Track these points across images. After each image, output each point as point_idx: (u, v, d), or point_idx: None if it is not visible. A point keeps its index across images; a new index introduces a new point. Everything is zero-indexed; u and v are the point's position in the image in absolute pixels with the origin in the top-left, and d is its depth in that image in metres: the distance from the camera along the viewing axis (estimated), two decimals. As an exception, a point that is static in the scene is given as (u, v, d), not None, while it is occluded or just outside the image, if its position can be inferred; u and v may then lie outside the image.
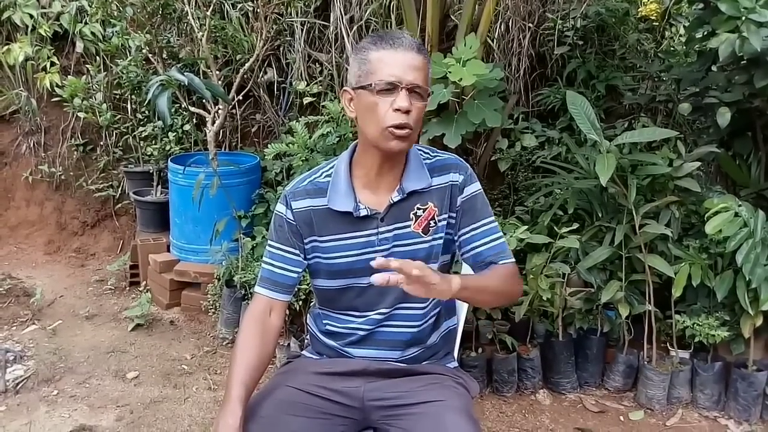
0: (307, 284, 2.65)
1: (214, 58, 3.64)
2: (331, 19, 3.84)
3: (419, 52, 1.42)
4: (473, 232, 1.55)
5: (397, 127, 1.39)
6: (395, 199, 1.50)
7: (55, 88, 4.14)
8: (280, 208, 1.55)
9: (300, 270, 1.56)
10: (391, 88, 1.39)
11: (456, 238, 1.57)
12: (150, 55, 3.85)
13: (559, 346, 2.80)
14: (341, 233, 1.51)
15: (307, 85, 3.79)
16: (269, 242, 1.57)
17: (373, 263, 1.24)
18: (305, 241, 1.54)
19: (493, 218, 1.58)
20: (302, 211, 1.52)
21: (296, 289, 2.76)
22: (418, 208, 1.51)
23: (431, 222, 1.52)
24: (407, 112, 1.38)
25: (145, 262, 3.73)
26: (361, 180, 1.52)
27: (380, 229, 1.50)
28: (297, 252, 1.54)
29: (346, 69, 1.86)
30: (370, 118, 1.42)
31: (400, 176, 1.51)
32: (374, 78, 1.40)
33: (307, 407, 1.49)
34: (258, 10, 3.52)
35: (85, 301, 3.63)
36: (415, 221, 1.51)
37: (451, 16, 3.05)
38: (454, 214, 1.54)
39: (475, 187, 1.56)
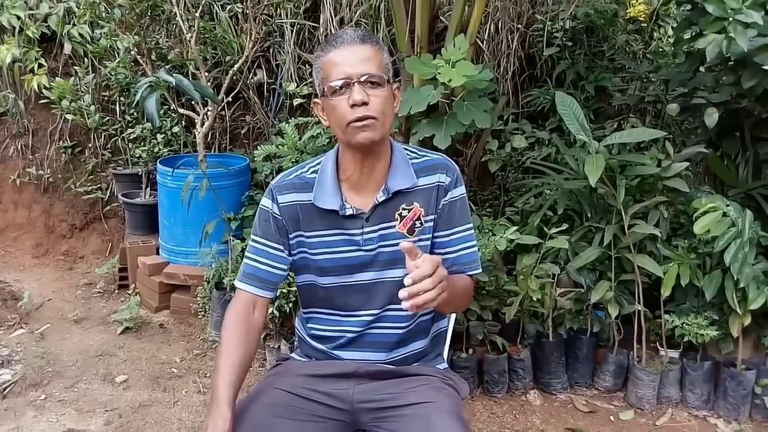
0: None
1: (203, 59, 3.63)
2: (321, 21, 3.84)
3: (364, 42, 1.42)
4: (450, 237, 1.54)
5: (357, 120, 1.39)
6: (380, 199, 1.49)
7: (43, 90, 4.11)
8: (265, 202, 1.54)
9: (285, 267, 1.55)
10: (346, 86, 1.39)
11: (432, 239, 1.55)
12: (138, 57, 3.83)
13: (550, 347, 2.80)
14: (327, 229, 1.51)
15: (297, 86, 3.78)
16: (253, 237, 1.55)
17: (400, 245, 1.27)
18: (291, 236, 1.53)
19: (471, 225, 1.58)
20: (288, 206, 1.51)
21: (286, 291, 2.78)
22: (403, 209, 1.50)
23: (417, 222, 1.51)
24: (364, 104, 1.38)
25: (134, 265, 3.71)
26: (347, 182, 1.51)
27: (365, 229, 1.50)
28: (281, 248, 1.53)
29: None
30: (335, 121, 1.43)
31: (386, 176, 1.50)
32: (328, 82, 1.41)
33: (297, 410, 1.48)
34: (247, 12, 3.51)
35: (73, 305, 3.60)
36: (400, 221, 1.50)
37: (441, 18, 3.06)
38: (437, 216, 1.53)
39: (460, 190, 1.55)
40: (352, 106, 1.38)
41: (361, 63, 1.39)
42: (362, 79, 1.39)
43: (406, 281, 1.22)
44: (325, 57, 1.42)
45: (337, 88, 1.39)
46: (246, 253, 1.56)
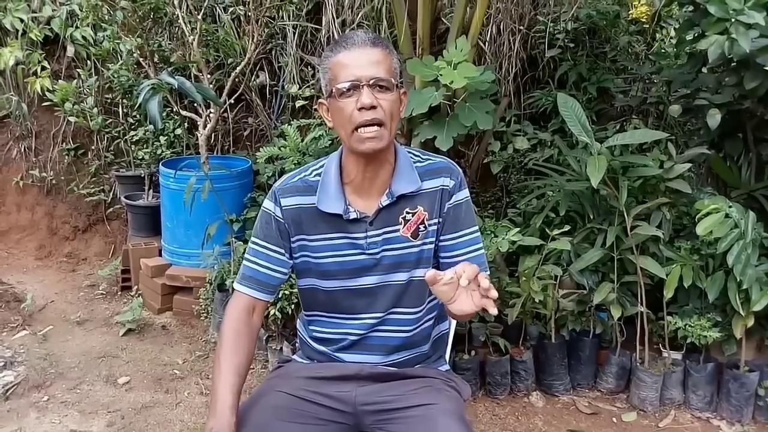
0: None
1: (205, 61, 3.63)
2: (323, 23, 3.84)
3: (375, 46, 1.41)
4: (456, 240, 1.53)
5: (365, 125, 1.38)
6: (384, 203, 1.48)
7: (46, 93, 4.12)
8: (268, 204, 1.53)
9: (285, 270, 1.54)
10: (354, 88, 1.38)
11: (437, 243, 1.54)
12: (141, 59, 3.84)
13: (552, 348, 2.80)
14: (330, 233, 1.50)
15: (300, 88, 3.78)
16: (254, 239, 1.54)
17: (425, 277, 1.26)
18: (292, 239, 1.52)
19: (476, 228, 1.57)
20: (291, 209, 1.50)
21: (288, 293, 2.78)
22: (407, 212, 1.50)
23: (420, 226, 1.51)
24: (373, 108, 1.37)
25: (136, 267, 3.71)
26: (351, 185, 1.50)
27: (369, 233, 1.49)
28: (282, 251, 1.52)
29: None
30: (340, 123, 1.42)
31: (390, 180, 1.49)
32: (336, 83, 1.40)
33: (299, 413, 1.48)
34: (249, 14, 3.51)
35: (76, 306, 3.60)
36: (404, 225, 1.50)
37: (442, 19, 3.06)
38: (441, 219, 1.53)
39: (464, 194, 1.55)
40: (360, 109, 1.37)
41: (370, 66, 1.38)
42: (371, 82, 1.38)
43: (493, 293, 1.24)
44: (334, 58, 1.41)
45: (345, 90, 1.38)
46: (246, 255, 1.55)
